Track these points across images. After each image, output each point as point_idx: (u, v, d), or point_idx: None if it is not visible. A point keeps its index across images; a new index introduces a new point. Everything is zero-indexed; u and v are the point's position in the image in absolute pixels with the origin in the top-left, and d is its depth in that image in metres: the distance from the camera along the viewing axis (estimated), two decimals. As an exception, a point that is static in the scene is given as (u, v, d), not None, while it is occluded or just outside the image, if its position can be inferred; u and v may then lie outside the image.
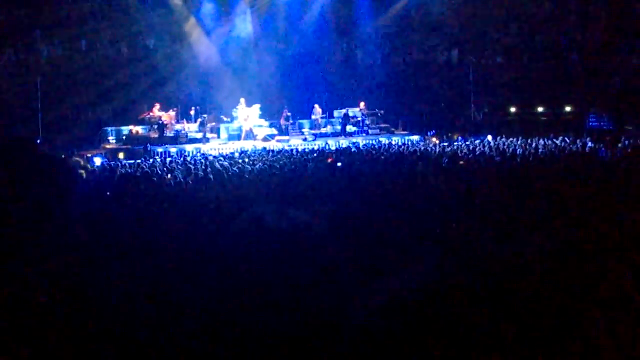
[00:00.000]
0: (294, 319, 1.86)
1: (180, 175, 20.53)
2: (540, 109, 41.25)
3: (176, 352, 3.20)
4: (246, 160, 25.25)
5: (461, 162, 22.24)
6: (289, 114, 38.21)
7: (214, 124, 37.82)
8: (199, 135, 35.63)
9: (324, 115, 39.76)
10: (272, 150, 30.25)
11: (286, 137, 36.81)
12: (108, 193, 9.54)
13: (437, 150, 28.52)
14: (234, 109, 36.93)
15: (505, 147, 28.17)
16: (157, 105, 35.89)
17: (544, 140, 29.69)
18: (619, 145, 27.26)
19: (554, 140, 29.35)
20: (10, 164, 4.42)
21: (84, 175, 20.29)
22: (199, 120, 36.42)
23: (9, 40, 37.86)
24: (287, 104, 39.02)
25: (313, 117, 39.52)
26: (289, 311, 1.85)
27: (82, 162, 25.82)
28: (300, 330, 1.86)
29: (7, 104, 34.04)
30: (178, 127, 36.32)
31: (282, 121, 37.98)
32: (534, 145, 28.36)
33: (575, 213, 10.20)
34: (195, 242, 5.62)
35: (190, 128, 36.38)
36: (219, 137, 37.06)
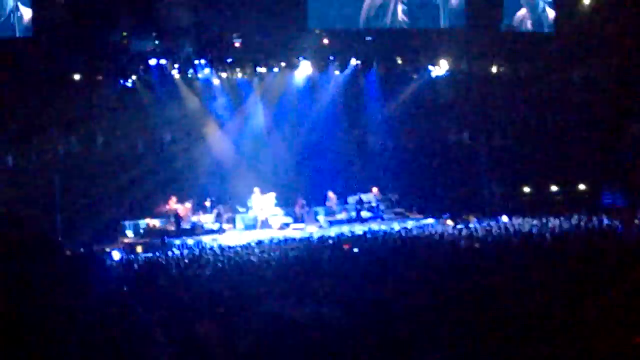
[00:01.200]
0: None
1: (197, 267, 20.66)
2: (553, 188, 41.29)
3: None
4: (263, 249, 25.37)
5: (476, 245, 22.27)
6: (304, 201, 38.29)
7: (229, 214, 37.99)
8: (216, 227, 35.77)
9: (339, 202, 39.90)
10: (288, 239, 30.36)
11: (302, 225, 36.87)
12: (125, 288, 9.63)
13: (454, 233, 28.56)
14: (249, 199, 37.16)
15: (520, 228, 28.20)
16: (173, 198, 36.16)
17: (559, 219, 29.67)
18: (636, 221, 27.26)
19: (569, 219, 29.32)
20: (35, 263, 4.61)
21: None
22: (215, 211, 36.60)
23: (26, 139, 38.35)
24: (301, 191, 39.14)
25: (327, 204, 39.66)
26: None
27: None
28: None
29: (26, 201, 34.32)
30: (194, 219, 36.53)
31: (297, 209, 38.07)
32: (550, 224, 28.38)
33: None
34: (212, 337, 5.74)
35: (207, 219, 36.55)
36: (234, 227, 37.20)
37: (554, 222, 29.07)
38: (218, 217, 36.12)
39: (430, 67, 43.99)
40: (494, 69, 44.59)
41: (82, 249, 28.86)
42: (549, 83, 43.97)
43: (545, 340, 7.58)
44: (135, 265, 22.35)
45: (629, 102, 40.27)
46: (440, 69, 43.96)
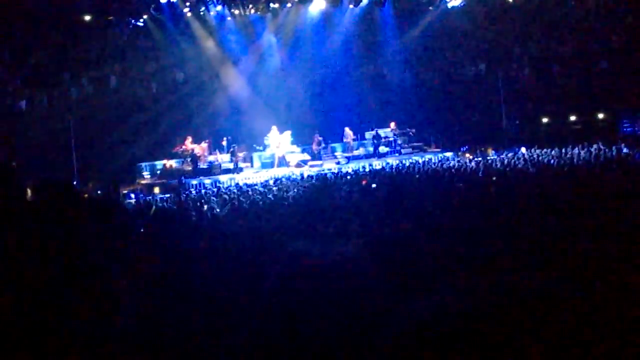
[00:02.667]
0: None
1: (216, 207, 20.58)
2: (572, 118, 40.91)
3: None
4: (281, 187, 25.25)
5: (494, 178, 22.06)
6: (320, 138, 38.04)
7: (246, 153, 37.87)
8: (231, 166, 35.66)
9: (356, 138, 39.72)
10: (306, 176, 30.25)
11: (319, 162, 36.72)
12: (142, 230, 9.46)
13: (472, 165, 28.36)
14: (266, 137, 37.00)
15: (539, 158, 27.98)
16: (189, 138, 36.02)
17: (578, 149, 29.38)
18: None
19: (589, 148, 29.01)
20: (51, 209, 4.42)
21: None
22: (231, 150, 36.45)
23: (40, 83, 38.21)
24: (318, 128, 38.91)
25: (345, 140, 39.50)
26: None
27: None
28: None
29: (41, 146, 34.25)
30: (211, 158, 36.45)
31: (314, 146, 37.85)
32: (568, 155, 28.14)
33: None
34: (235, 279, 5.56)
35: (223, 159, 36.44)
36: (252, 166, 37.12)
37: (572, 152, 28.78)
38: (233, 156, 35.91)
39: (445, -2, 43.54)
40: (510, -1, 44.05)
41: (99, 192, 28.89)
42: (567, 12, 43.38)
43: (560, 267, 7.44)
44: (153, 207, 22.27)
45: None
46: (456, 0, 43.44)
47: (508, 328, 1.30)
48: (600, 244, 8.74)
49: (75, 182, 28.28)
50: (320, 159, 37.39)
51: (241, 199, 22.02)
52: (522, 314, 1.32)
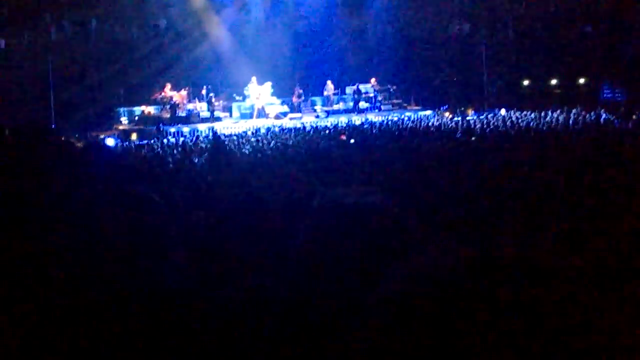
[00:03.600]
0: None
1: (194, 156, 20.51)
2: (553, 82, 41.00)
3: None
4: (259, 139, 25.18)
5: (473, 138, 22.09)
6: (301, 91, 37.91)
7: (225, 102, 37.72)
8: (208, 115, 35.48)
9: (337, 92, 39.63)
10: (285, 129, 30.20)
11: (298, 115, 36.63)
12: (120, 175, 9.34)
13: (451, 125, 28.39)
14: (246, 88, 36.83)
15: (519, 120, 28.06)
16: (169, 85, 35.80)
17: (557, 113, 29.49)
18: (634, 117, 27.06)
19: (568, 112, 29.12)
20: (26, 151, 4.35)
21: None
22: (208, 99, 36.23)
23: (18, 24, 37.75)
24: (298, 81, 38.80)
25: (325, 93, 39.38)
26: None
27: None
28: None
29: (18, 88, 33.96)
30: (190, 106, 36.28)
31: (295, 99, 37.71)
32: (547, 118, 28.24)
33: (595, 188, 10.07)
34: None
35: (202, 107, 36.24)
36: (231, 116, 37.00)
37: (552, 115, 28.88)
38: (209, 105, 35.68)
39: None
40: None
41: (76, 136, 28.69)
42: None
43: (539, 226, 7.49)
44: (130, 153, 22.16)
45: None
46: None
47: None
48: (576, 206, 8.80)
49: (53, 126, 28.10)
50: (300, 111, 37.28)
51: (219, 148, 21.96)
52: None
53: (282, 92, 38.52)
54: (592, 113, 28.38)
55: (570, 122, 26.38)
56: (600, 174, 11.28)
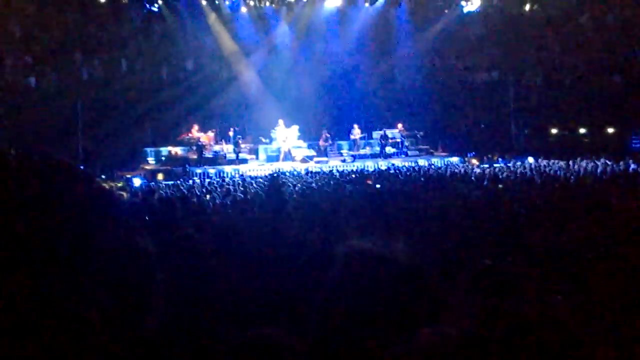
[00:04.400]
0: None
1: (218, 197, 20.48)
2: (581, 130, 40.82)
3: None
4: (285, 182, 25.12)
5: (500, 186, 21.95)
6: (328, 135, 37.93)
7: (251, 145, 37.84)
8: (234, 156, 35.56)
9: (363, 136, 39.61)
10: (311, 172, 30.17)
11: (325, 159, 36.61)
12: (147, 217, 9.32)
13: (478, 172, 28.24)
14: (273, 130, 36.92)
15: (546, 169, 27.88)
16: (196, 127, 35.95)
17: (585, 161, 29.30)
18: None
19: (596, 162, 28.93)
20: (50, 189, 4.27)
21: (125, 196, 20.31)
22: (235, 141, 36.31)
23: (49, 62, 38.14)
24: (325, 124, 38.83)
25: (352, 137, 39.36)
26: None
27: (119, 185, 25.96)
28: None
29: (47, 126, 34.19)
30: (217, 148, 36.37)
31: (322, 142, 37.72)
32: (575, 166, 28.05)
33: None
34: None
35: (229, 149, 36.33)
36: (257, 158, 37.04)
37: (580, 164, 28.70)
38: (236, 147, 35.75)
39: (462, 2, 43.46)
40: (527, 7, 43.95)
41: (102, 176, 28.80)
42: (581, 24, 43.29)
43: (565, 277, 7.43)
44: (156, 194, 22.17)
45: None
46: (472, 4, 43.41)
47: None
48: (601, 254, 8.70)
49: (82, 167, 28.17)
50: (326, 155, 37.27)
51: (244, 190, 21.95)
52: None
53: (308, 135, 38.58)
54: (621, 162, 28.18)
55: (598, 171, 26.18)
56: (629, 226, 11.15)
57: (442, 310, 1.99)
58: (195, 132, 35.77)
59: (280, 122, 36.49)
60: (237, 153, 35.56)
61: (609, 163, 28.28)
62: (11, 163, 4.96)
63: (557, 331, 1.32)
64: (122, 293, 3.36)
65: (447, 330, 1.55)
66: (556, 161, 30.96)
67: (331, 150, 38.16)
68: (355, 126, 39.24)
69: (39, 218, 4.08)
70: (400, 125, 38.96)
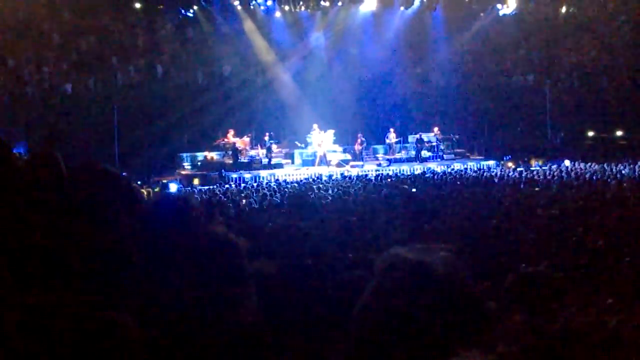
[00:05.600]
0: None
1: (254, 201, 20.55)
2: (619, 133, 40.47)
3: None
4: (320, 186, 25.13)
5: (536, 189, 21.84)
6: (363, 139, 37.90)
7: (287, 149, 37.93)
8: (266, 161, 35.63)
9: (399, 140, 39.54)
10: (347, 176, 30.17)
11: (360, 163, 36.61)
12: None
13: (514, 175, 28.11)
14: (308, 135, 36.96)
15: (583, 172, 27.67)
16: (232, 132, 36.05)
17: (622, 165, 29.09)
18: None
19: (634, 165, 28.70)
20: (96, 196, 4.32)
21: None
22: (267, 146, 36.36)
23: (86, 67, 38.44)
24: (361, 129, 38.77)
25: (387, 141, 39.30)
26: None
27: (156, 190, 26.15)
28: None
29: (83, 132, 34.47)
30: (252, 152, 36.47)
31: (357, 146, 37.71)
32: (612, 170, 27.81)
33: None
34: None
35: (264, 154, 36.43)
36: (292, 162, 37.10)
37: (617, 167, 28.46)
38: (269, 152, 35.82)
39: (498, 5, 43.28)
40: (563, 10, 43.69)
41: (139, 182, 28.95)
42: (618, 26, 42.94)
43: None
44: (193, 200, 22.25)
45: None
46: (508, 7, 43.21)
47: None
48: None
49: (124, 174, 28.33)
50: (362, 159, 37.25)
51: (283, 195, 22.00)
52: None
53: (344, 139, 38.60)
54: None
55: (636, 174, 25.96)
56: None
57: (485, 323, 1.98)
58: (231, 137, 35.89)
59: (315, 126, 36.54)
60: (269, 158, 35.65)
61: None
62: (64, 169, 5.02)
63: (611, 346, 1.31)
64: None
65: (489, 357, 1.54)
66: (593, 164, 30.74)
67: (367, 155, 38.13)
68: (391, 130, 39.20)
69: (89, 223, 4.13)
70: (436, 129, 38.83)
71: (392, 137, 39.12)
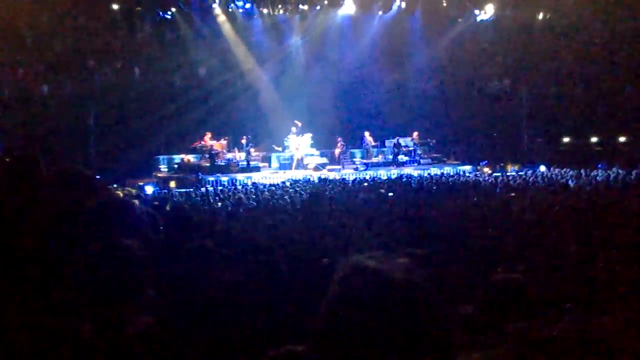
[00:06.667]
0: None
1: (230, 205, 20.51)
2: (594, 139, 40.75)
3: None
4: (298, 190, 25.12)
5: (512, 194, 21.95)
6: (343, 143, 37.91)
7: (264, 152, 37.89)
8: (245, 164, 35.62)
9: (376, 145, 39.61)
10: (324, 180, 30.17)
11: (337, 167, 36.64)
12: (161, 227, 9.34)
13: (490, 180, 28.22)
14: (286, 138, 36.96)
15: (558, 177, 27.84)
16: (209, 134, 35.94)
17: (597, 171, 29.29)
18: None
19: (608, 171, 28.91)
20: (69, 198, 4.32)
21: (138, 204, 20.36)
22: (246, 149, 36.32)
23: (62, 69, 38.24)
24: (338, 133, 38.78)
25: (364, 145, 39.38)
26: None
27: (133, 192, 26.01)
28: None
29: (59, 134, 34.30)
30: (229, 156, 36.41)
31: (337, 150, 37.70)
32: (587, 176, 27.98)
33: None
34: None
35: (242, 157, 36.39)
36: (270, 166, 37.08)
37: (592, 173, 28.64)
38: (247, 155, 35.81)
39: (475, 11, 43.49)
40: (540, 16, 43.94)
41: (114, 185, 28.81)
42: (594, 33, 43.21)
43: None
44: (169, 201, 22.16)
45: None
46: (486, 13, 43.43)
47: None
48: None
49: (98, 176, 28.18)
50: (340, 163, 37.26)
51: (256, 198, 21.99)
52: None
53: (321, 143, 38.61)
54: (633, 172, 28.10)
55: (610, 179, 26.12)
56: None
57: (447, 332, 1.97)
58: (207, 139, 35.79)
59: (293, 129, 36.55)
60: (247, 161, 35.64)
61: (621, 172, 28.22)
62: (42, 172, 4.99)
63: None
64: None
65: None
66: (568, 170, 30.92)
67: (344, 158, 38.15)
68: (367, 134, 39.24)
69: (57, 225, 4.13)
70: (415, 134, 38.96)
71: (368, 141, 39.19)
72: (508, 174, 32.60)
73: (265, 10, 41.97)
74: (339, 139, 37.92)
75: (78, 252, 3.82)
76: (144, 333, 3.35)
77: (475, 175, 32.75)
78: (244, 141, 36.50)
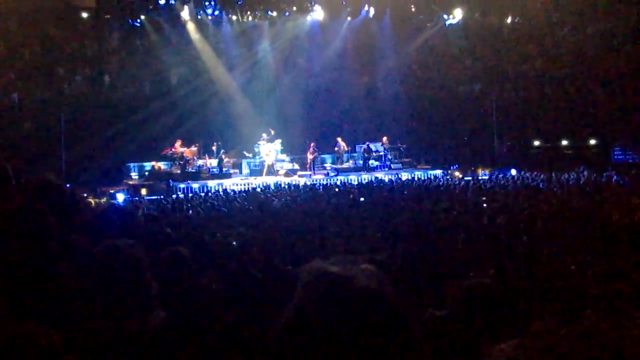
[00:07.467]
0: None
1: (202, 212, 20.44)
2: (564, 142, 41.03)
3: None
4: (268, 195, 25.11)
5: (483, 198, 22.00)
6: (316, 148, 37.85)
7: (235, 159, 37.83)
8: (216, 171, 35.57)
9: (348, 150, 39.64)
10: (295, 185, 30.15)
11: (308, 172, 36.62)
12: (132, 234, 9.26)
13: (461, 184, 28.28)
14: (256, 144, 36.91)
15: (529, 181, 27.97)
16: (179, 141, 35.85)
17: (568, 173, 29.46)
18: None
19: (578, 173, 29.11)
20: (38, 206, 4.29)
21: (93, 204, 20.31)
22: (219, 156, 36.24)
23: (32, 77, 38.03)
24: (309, 138, 38.76)
25: (336, 149, 39.38)
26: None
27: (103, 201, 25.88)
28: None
29: (30, 142, 34.10)
30: (200, 162, 36.33)
31: (309, 155, 37.63)
32: (558, 178, 28.14)
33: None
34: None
35: (212, 164, 36.31)
36: (241, 172, 37.04)
37: (562, 176, 28.80)
38: (220, 162, 35.77)
39: (444, 16, 43.67)
40: (509, 20, 44.18)
41: (85, 194, 28.65)
42: (563, 37, 43.50)
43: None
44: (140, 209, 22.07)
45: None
46: (454, 17, 43.62)
47: None
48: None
49: (68, 185, 28.01)
50: (312, 169, 37.22)
51: (227, 203, 21.94)
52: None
53: (292, 149, 38.61)
54: (604, 174, 28.31)
55: (581, 182, 26.29)
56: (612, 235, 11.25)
57: (410, 337, 1.96)
58: (178, 146, 35.68)
59: (264, 136, 36.53)
60: (220, 168, 35.59)
61: (591, 174, 28.44)
62: (12, 181, 4.94)
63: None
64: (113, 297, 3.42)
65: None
66: (539, 173, 31.06)
67: (315, 164, 38.12)
68: (339, 139, 39.25)
69: (27, 234, 4.09)
70: (385, 139, 38.98)
71: (341, 145, 39.21)
72: (479, 178, 32.70)
73: (234, 17, 41.89)
74: (312, 144, 37.86)
75: (49, 260, 3.79)
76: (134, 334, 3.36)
77: (447, 179, 32.81)
78: (214, 148, 36.46)
